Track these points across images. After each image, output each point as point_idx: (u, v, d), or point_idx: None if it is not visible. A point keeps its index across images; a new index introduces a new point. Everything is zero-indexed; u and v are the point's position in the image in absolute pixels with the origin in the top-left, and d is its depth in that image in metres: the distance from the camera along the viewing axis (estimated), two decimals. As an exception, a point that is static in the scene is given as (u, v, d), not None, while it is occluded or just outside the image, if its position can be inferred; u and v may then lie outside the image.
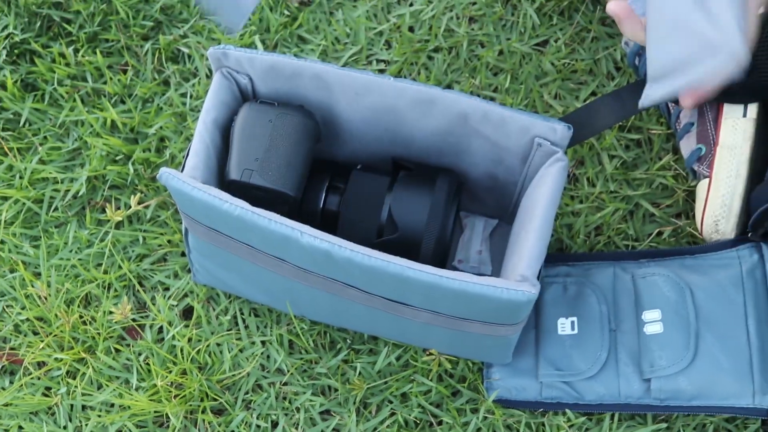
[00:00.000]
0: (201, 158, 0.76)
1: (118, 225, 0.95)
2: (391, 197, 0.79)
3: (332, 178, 0.82)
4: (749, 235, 0.84)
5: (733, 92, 0.84)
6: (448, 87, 0.99)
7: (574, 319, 0.86)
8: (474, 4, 1.02)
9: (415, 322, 0.77)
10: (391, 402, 0.86)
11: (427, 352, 0.86)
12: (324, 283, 0.76)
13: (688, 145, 0.89)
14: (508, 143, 0.78)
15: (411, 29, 1.02)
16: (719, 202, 0.84)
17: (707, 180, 0.85)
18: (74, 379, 0.89)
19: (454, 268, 0.89)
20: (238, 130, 0.78)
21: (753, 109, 0.85)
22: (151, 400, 0.86)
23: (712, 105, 0.87)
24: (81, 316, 0.91)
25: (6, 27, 1.03)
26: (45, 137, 1.00)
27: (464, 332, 0.77)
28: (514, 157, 0.79)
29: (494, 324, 0.74)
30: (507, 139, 0.77)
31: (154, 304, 0.91)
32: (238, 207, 0.71)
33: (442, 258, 0.80)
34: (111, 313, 0.91)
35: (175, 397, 0.86)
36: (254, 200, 0.75)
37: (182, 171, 0.75)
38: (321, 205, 0.80)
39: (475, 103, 0.76)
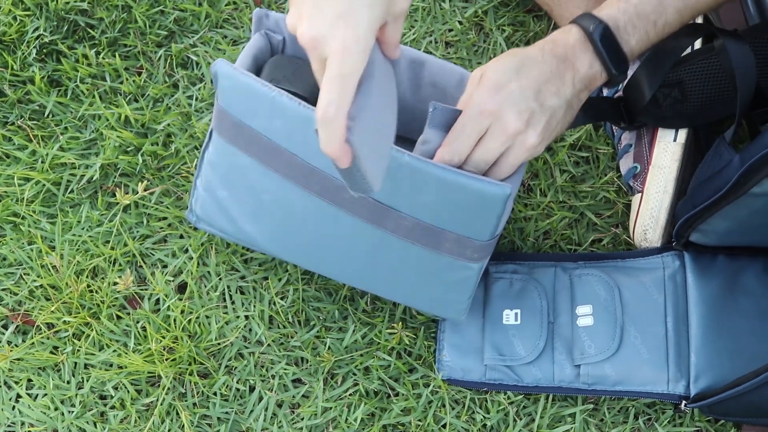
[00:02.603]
0: (245, 68, 0.87)
1: (126, 208, 1.05)
2: None
3: None
4: (673, 244, 0.96)
5: (666, 118, 0.96)
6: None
7: (518, 311, 0.97)
8: (451, 30, 1.14)
9: (395, 239, 0.85)
10: (355, 374, 0.97)
11: (388, 331, 0.98)
12: (323, 183, 0.84)
13: (626, 164, 1.00)
14: None
15: (394, 50, 1.14)
16: (648, 214, 0.95)
17: (640, 194, 0.97)
18: (79, 340, 0.99)
19: None
20: (269, 64, 0.89)
21: (683, 134, 0.96)
22: (145, 361, 0.97)
23: (648, 129, 0.99)
24: (88, 286, 1.01)
25: (37, 29, 1.14)
26: (66, 128, 1.10)
27: (437, 254, 0.85)
28: None
29: (467, 238, 0.83)
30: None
31: (153, 278, 1.02)
32: (274, 90, 0.81)
33: None
34: (115, 284, 1.01)
35: (167, 360, 0.97)
36: None
37: None
38: None
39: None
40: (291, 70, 0.88)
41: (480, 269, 0.88)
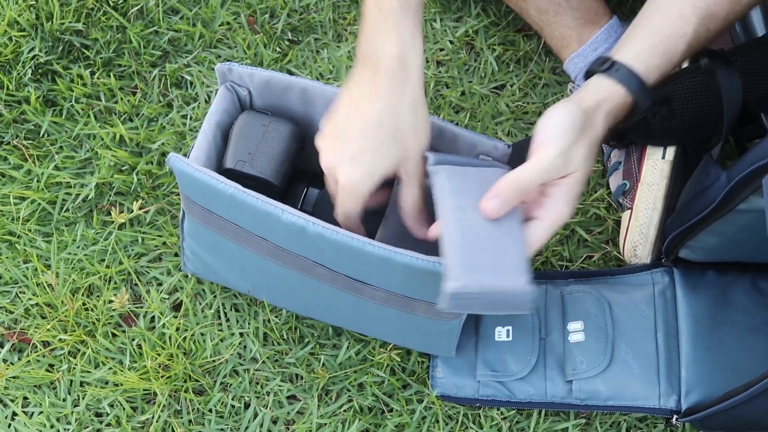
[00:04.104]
0: (203, 151, 0.87)
1: (121, 226, 1.06)
2: None
3: (310, 184, 0.93)
4: (663, 260, 0.97)
5: (655, 135, 0.97)
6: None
7: (510, 327, 0.98)
8: (442, 50, 1.16)
9: (372, 303, 0.87)
10: (349, 390, 0.98)
11: (381, 348, 0.98)
12: (297, 261, 0.86)
13: (615, 181, 1.02)
14: None
15: (386, 69, 1.15)
16: (638, 230, 0.97)
17: (629, 211, 0.98)
18: (75, 358, 1.00)
19: None
20: (236, 131, 0.90)
21: (671, 151, 0.98)
22: (141, 378, 0.97)
23: (637, 147, 1.00)
24: (84, 304, 1.02)
25: (32, 49, 1.15)
26: (61, 147, 1.11)
27: (413, 315, 0.87)
28: None
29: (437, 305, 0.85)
30: (457, 155, 0.87)
31: (148, 296, 1.02)
32: (231, 186, 0.81)
33: None
34: (110, 302, 1.02)
35: (162, 377, 0.97)
36: (244, 187, 0.85)
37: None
38: (299, 206, 0.93)
39: (432, 121, 0.87)
40: (256, 142, 0.89)
41: (459, 323, 0.90)
